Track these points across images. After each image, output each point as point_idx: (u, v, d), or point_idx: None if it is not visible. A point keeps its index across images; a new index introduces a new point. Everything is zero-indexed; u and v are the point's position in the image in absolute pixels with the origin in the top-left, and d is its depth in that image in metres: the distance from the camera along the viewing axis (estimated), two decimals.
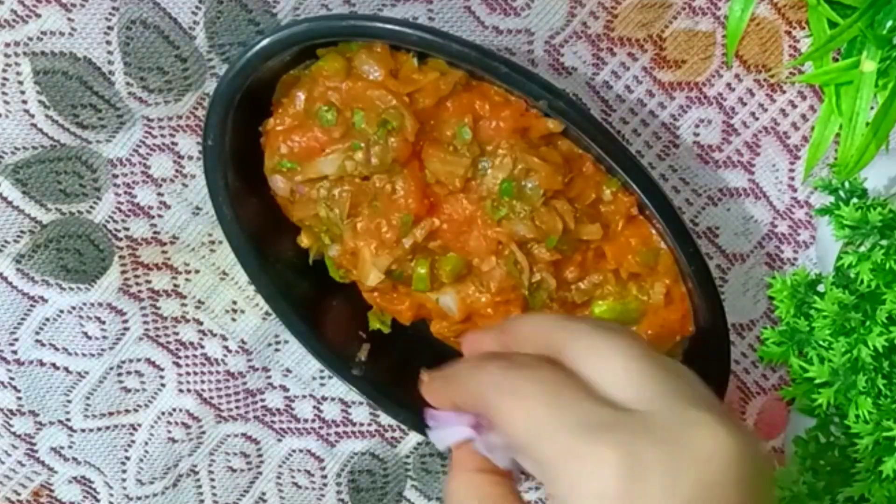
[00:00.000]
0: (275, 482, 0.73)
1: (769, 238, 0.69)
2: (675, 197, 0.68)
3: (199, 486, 0.73)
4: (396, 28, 0.60)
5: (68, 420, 0.71)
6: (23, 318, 0.69)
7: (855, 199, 0.59)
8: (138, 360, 0.70)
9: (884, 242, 0.56)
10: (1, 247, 0.67)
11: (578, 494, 0.45)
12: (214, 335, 0.70)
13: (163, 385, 0.71)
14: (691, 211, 0.68)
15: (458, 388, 0.52)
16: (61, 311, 0.69)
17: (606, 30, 0.65)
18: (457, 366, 0.53)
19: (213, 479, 0.73)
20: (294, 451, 0.72)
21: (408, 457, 0.73)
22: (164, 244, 0.68)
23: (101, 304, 0.69)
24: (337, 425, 0.72)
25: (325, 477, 0.73)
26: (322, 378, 0.71)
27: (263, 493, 0.73)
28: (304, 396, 0.71)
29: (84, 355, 0.70)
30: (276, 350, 0.70)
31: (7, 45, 0.63)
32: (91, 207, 0.67)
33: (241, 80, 0.60)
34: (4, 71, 0.63)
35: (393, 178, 0.62)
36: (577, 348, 0.49)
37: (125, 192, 0.66)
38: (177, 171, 0.66)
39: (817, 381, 0.57)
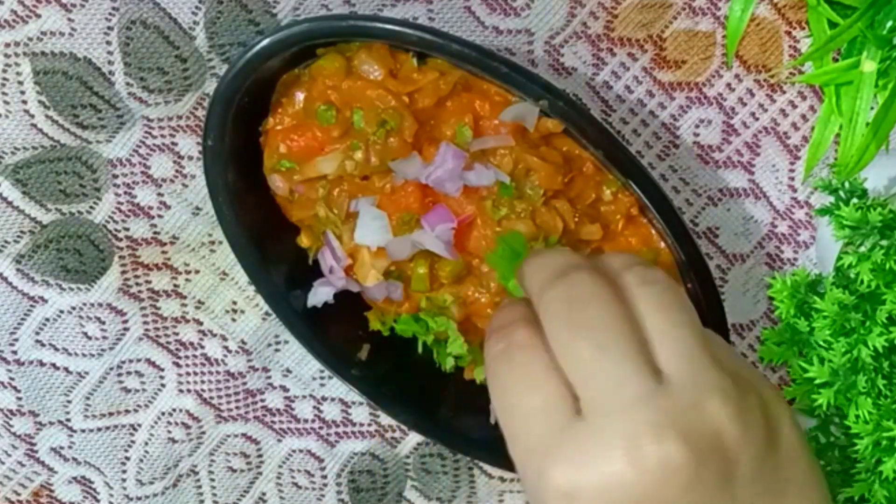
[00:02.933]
0: (275, 482, 0.73)
1: (769, 238, 0.69)
2: (675, 197, 0.68)
3: (199, 487, 0.73)
4: (396, 28, 0.60)
5: (68, 420, 0.71)
6: (23, 319, 0.69)
7: (855, 200, 0.59)
8: (138, 361, 0.70)
9: (884, 243, 0.56)
10: (1, 247, 0.67)
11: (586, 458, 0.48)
12: (214, 335, 0.70)
13: (163, 385, 0.71)
14: (691, 211, 0.68)
15: (530, 278, 0.54)
16: (61, 312, 0.69)
17: (606, 30, 0.65)
18: (547, 254, 0.54)
19: (213, 480, 0.73)
20: (294, 451, 0.72)
21: (408, 457, 0.73)
22: (164, 244, 0.68)
23: (101, 305, 0.69)
24: (337, 425, 0.72)
25: (325, 477, 0.73)
26: (322, 378, 0.71)
27: (263, 494, 0.73)
28: (304, 396, 0.71)
29: (84, 355, 0.70)
30: (276, 350, 0.70)
31: (7, 45, 0.63)
32: (91, 208, 0.67)
33: (241, 80, 0.60)
34: (4, 71, 0.63)
35: (392, 177, 0.63)
36: (650, 310, 0.51)
37: (125, 193, 0.66)
38: (177, 171, 0.66)
39: (817, 382, 0.57)
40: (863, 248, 0.57)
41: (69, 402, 0.71)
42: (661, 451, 0.47)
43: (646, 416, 0.48)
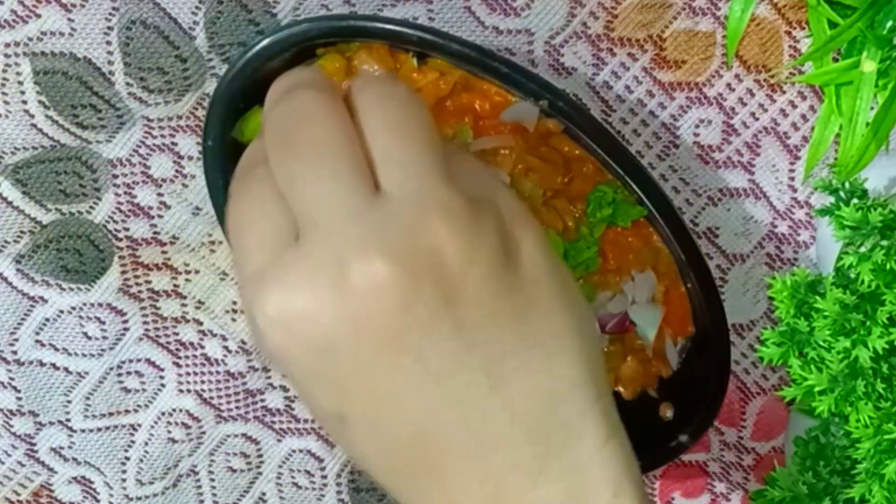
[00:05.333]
0: (275, 482, 0.73)
1: (769, 238, 0.69)
2: (675, 197, 0.68)
3: (199, 487, 0.73)
4: (396, 28, 0.60)
5: (68, 420, 0.71)
6: (23, 319, 0.69)
7: (855, 200, 0.59)
8: (138, 361, 0.70)
9: (884, 243, 0.56)
10: (1, 247, 0.67)
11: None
12: (214, 335, 0.70)
13: (163, 385, 0.71)
14: (691, 211, 0.68)
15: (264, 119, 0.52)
16: (61, 312, 0.69)
17: (606, 30, 0.65)
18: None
19: (213, 480, 0.73)
20: (294, 451, 0.72)
21: None
22: (164, 244, 0.68)
23: (101, 305, 0.69)
24: None
25: (325, 477, 0.73)
26: None
27: (263, 494, 0.73)
28: None
29: (84, 355, 0.70)
30: None
31: (7, 45, 0.63)
32: (91, 208, 0.67)
33: (241, 80, 0.60)
34: (4, 71, 0.63)
35: None
36: (379, 128, 0.48)
37: (125, 193, 0.66)
38: (177, 171, 0.66)
39: (817, 389, 0.57)
40: (863, 249, 0.57)
41: (69, 402, 0.71)
42: (366, 270, 0.45)
43: (354, 233, 0.46)
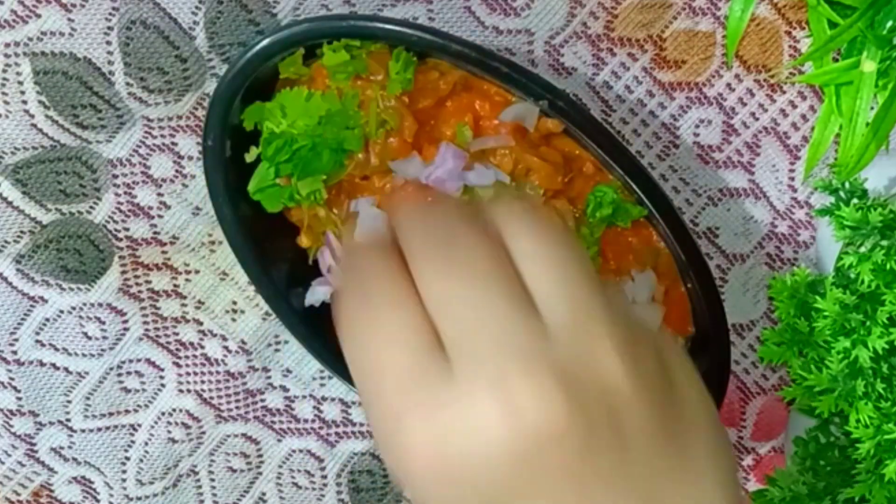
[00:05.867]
0: (275, 482, 0.73)
1: (769, 238, 0.69)
2: (675, 197, 0.68)
3: (199, 487, 0.73)
4: (396, 28, 0.60)
5: (68, 420, 0.71)
6: (23, 319, 0.69)
7: (855, 200, 0.59)
8: (138, 361, 0.70)
9: (884, 243, 0.56)
10: (1, 247, 0.67)
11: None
12: (214, 335, 0.70)
13: (163, 385, 0.71)
14: (691, 211, 0.68)
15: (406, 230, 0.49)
16: (61, 312, 0.69)
17: (606, 30, 0.65)
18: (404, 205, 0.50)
19: (213, 480, 0.73)
20: (294, 451, 0.72)
21: None
22: (164, 244, 0.68)
23: (101, 305, 0.69)
24: (337, 425, 0.72)
25: (325, 477, 0.73)
26: (322, 378, 0.71)
27: (263, 494, 0.73)
28: (304, 396, 0.71)
29: (84, 355, 0.70)
30: (276, 350, 0.70)
31: (7, 45, 0.63)
32: (91, 208, 0.67)
33: (241, 80, 0.60)
34: (4, 71, 0.63)
35: (392, 177, 0.62)
36: (519, 248, 0.47)
37: (125, 193, 0.66)
38: (177, 171, 0.66)
39: (817, 390, 0.57)
40: (863, 249, 0.57)
41: (69, 402, 0.71)
42: (539, 406, 0.43)
43: (523, 367, 0.43)
